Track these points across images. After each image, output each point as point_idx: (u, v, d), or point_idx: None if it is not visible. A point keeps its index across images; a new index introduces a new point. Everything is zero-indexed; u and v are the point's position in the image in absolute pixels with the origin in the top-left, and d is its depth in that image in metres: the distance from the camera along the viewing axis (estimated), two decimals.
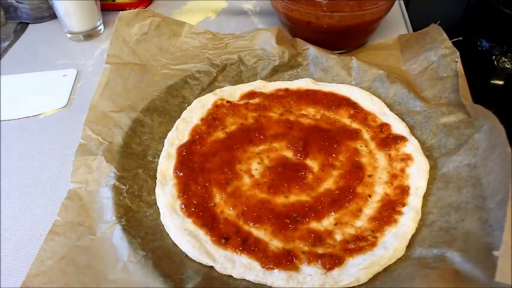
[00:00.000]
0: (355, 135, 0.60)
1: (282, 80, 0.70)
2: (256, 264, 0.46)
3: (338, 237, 0.49)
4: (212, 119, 0.63)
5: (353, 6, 0.67)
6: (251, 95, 0.67)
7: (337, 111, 0.64)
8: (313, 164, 0.57)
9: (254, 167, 0.57)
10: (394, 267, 0.45)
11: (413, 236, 0.48)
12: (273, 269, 0.46)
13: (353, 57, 0.69)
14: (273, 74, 0.71)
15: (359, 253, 0.47)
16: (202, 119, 0.63)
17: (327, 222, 0.50)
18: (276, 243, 0.48)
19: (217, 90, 0.68)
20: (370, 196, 0.53)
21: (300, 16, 0.70)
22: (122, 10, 0.73)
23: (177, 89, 0.67)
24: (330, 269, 0.45)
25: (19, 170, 0.61)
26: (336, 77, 0.69)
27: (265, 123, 0.63)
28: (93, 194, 0.52)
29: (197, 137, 0.61)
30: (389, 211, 0.51)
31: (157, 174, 0.56)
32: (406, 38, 0.72)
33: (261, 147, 0.59)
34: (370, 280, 0.44)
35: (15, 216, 0.55)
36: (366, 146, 0.59)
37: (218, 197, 0.53)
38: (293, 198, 0.53)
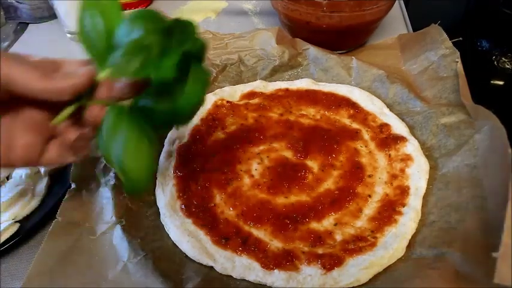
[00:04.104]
0: (355, 135, 0.60)
1: (282, 80, 0.70)
2: (256, 265, 0.46)
3: (338, 237, 0.49)
4: (212, 119, 0.63)
5: (353, 6, 0.67)
6: (251, 95, 0.67)
7: (337, 112, 0.64)
8: (313, 164, 0.57)
9: (254, 167, 0.57)
10: (394, 268, 0.45)
11: (413, 236, 0.48)
12: (273, 269, 0.46)
13: (353, 57, 0.69)
14: (273, 74, 0.71)
15: (359, 253, 0.46)
16: (202, 119, 0.63)
17: (327, 223, 0.50)
18: (276, 244, 0.48)
19: (218, 90, 0.68)
20: (370, 196, 0.53)
21: (299, 16, 0.70)
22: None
23: None
24: (330, 269, 0.45)
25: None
26: (336, 77, 0.69)
27: (265, 123, 0.63)
28: (93, 194, 0.52)
29: (197, 137, 0.61)
30: (389, 211, 0.50)
31: (157, 174, 0.56)
32: (406, 38, 0.72)
33: (261, 148, 0.59)
34: (370, 280, 0.44)
35: None
36: (365, 146, 0.59)
37: (218, 197, 0.53)
38: (293, 198, 0.53)
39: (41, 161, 0.39)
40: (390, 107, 0.63)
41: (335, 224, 0.50)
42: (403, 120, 0.61)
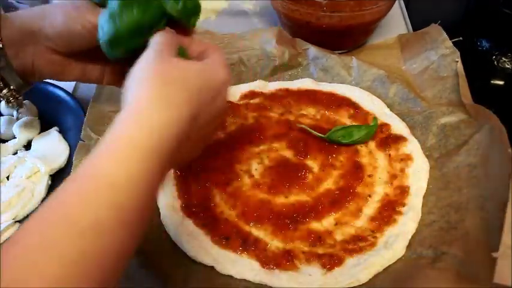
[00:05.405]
0: None
1: (282, 80, 0.70)
2: (256, 264, 0.46)
3: (338, 237, 0.49)
4: None
5: (353, 6, 0.67)
6: (251, 95, 0.67)
7: (337, 111, 0.64)
8: (313, 164, 0.57)
9: (254, 167, 0.57)
10: (394, 267, 0.45)
11: (413, 236, 0.48)
12: (273, 269, 0.46)
13: (353, 57, 0.69)
14: (273, 74, 0.70)
15: (359, 253, 0.47)
16: None
17: (327, 223, 0.50)
18: (276, 243, 0.48)
19: None
20: (370, 196, 0.53)
21: (300, 16, 0.70)
22: None
23: None
24: (330, 269, 0.45)
25: None
26: (336, 77, 0.69)
27: (265, 123, 0.63)
28: None
29: None
30: (389, 211, 0.51)
31: None
32: (406, 37, 0.72)
33: (261, 147, 0.59)
34: (370, 280, 0.44)
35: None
36: (365, 146, 0.59)
37: (218, 197, 0.53)
38: (293, 198, 0.53)
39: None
40: (390, 106, 0.63)
41: (335, 224, 0.50)
42: (403, 120, 0.61)
